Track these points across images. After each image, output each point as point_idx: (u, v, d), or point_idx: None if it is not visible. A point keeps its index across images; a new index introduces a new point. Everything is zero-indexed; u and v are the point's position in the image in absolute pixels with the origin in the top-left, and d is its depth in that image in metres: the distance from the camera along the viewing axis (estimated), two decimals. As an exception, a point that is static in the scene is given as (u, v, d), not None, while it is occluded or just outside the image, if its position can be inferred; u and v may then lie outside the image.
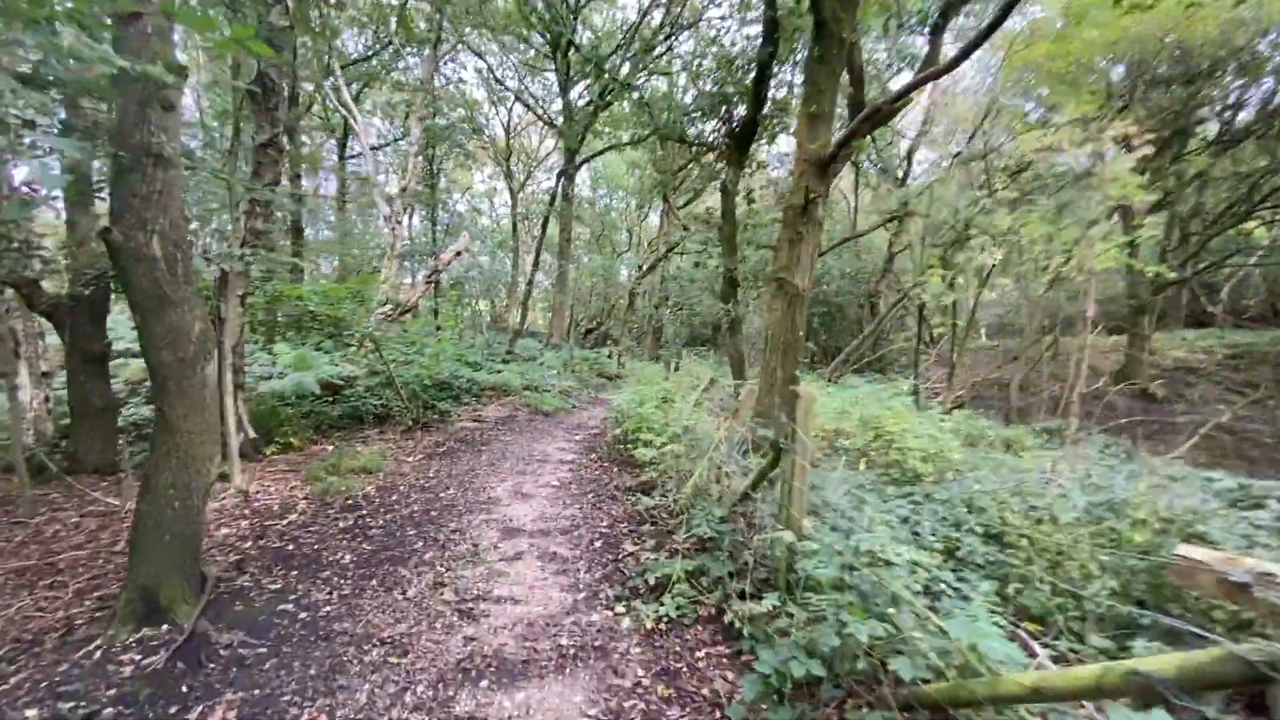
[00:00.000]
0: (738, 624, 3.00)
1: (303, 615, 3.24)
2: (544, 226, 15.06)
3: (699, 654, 2.96)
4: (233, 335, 6.20)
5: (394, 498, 5.51)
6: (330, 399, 8.99)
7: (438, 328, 16.17)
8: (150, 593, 2.84)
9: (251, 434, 6.79)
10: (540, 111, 21.46)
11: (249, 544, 4.29)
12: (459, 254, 13.38)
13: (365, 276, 7.34)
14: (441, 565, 4.02)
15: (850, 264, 22.15)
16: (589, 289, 24.85)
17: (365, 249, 20.05)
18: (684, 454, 5.41)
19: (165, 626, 2.86)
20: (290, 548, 4.23)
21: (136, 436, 7.11)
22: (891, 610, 2.39)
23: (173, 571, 2.90)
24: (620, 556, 4.19)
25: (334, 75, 13.24)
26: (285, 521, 4.75)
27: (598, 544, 4.48)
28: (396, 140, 22.46)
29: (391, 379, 8.19)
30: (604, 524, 4.93)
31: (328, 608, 3.36)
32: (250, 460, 6.62)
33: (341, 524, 4.74)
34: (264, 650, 2.86)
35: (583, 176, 29.37)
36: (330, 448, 7.49)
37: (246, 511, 4.96)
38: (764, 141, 10.35)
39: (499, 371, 11.11)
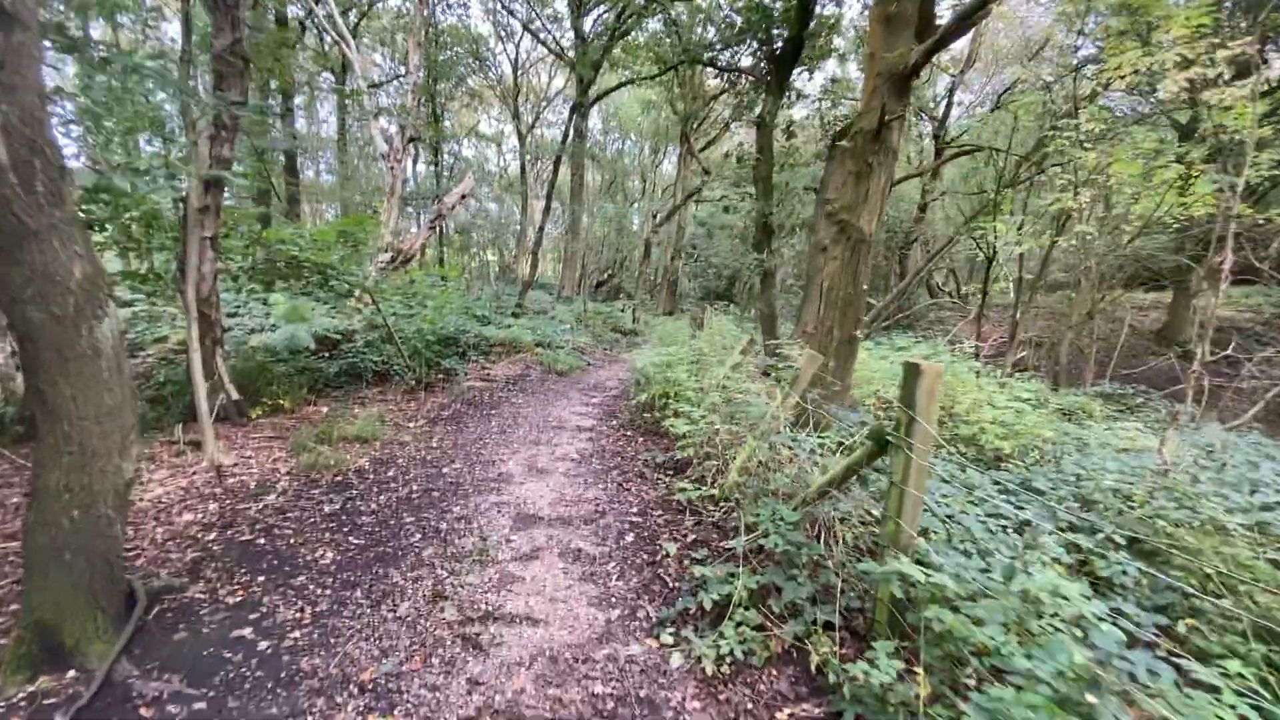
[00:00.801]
0: (831, 675, 2.25)
1: (263, 646, 2.53)
2: (556, 166, 13.91)
3: (779, 716, 2.22)
4: (203, 284, 5.39)
5: (391, 473, 4.79)
6: (327, 355, 8.26)
7: (442, 278, 15.30)
8: (49, 629, 2.12)
9: (234, 394, 6.07)
10: (550, 43, 19.85)
11: (213, 535, 3.59)
12: (464, 197, 12.36)
13: (358, 217, 6.44)
14: (442, 567, 3.30)
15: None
16: (601, 239, 23.70)
17: (369, 195, 18.99)
18: (725, 429, 4.61)
19: (71, 673, 2.15)
20: (262, 541, 3.52)
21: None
22: (1094, 701, 1.61)
23: (79, 599, 2.17)
24: (658, 557, 3.44)
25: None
26: (261, 505, 4.04)
27: (629, 538, 3.74)
28: (397, 77, 20.98)
29: (391, 335, 7.40)
30: (634, 510, 4.19)
31: (296, 633, 2.64)
32: (233, 423, 5.92)
33: (327, 508, 4.03)
34: (203, 706, 2.15)
35: (594, 121, 27.72)
36: (324, 410, 6.78)
37: (218, 490, 4.26)
38: (805, 70, 9.12)
39: (508, 326, 10.30)
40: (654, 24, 14.75)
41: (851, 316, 5.11)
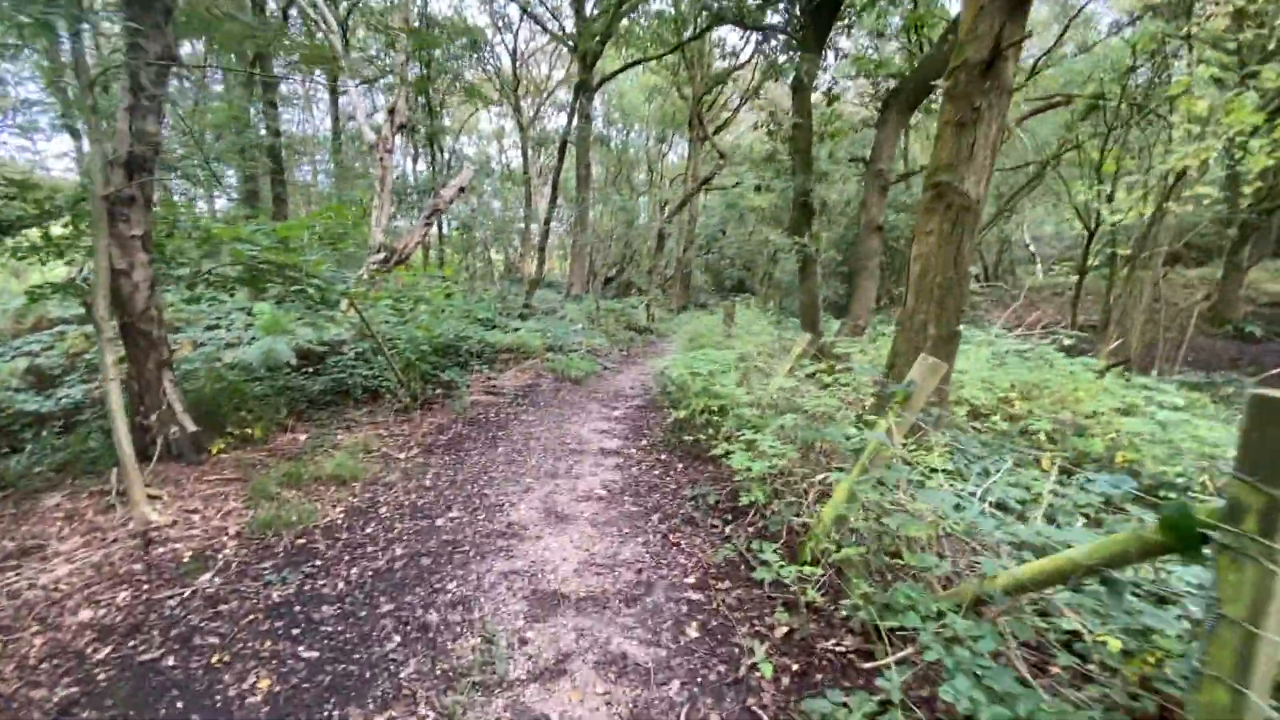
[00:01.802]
0: None
1: None
2: (561, 152, 12.79)
3: None
4: (136, 294, 4.35)
5: (370, 529, 3.73)
6: (310, 370, 7.25)
7: (444, 279, 14.28)
8: None
9: (189, 426, 5.05)
10: (551, 27, 18.72)
11: (108, 650, 2.54)
12: (462, 190, 11.29)
13: (333, 207, 5.38)
14: (427, 700, 2.23)
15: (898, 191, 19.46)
16: (608, 232, 22.57)
17: (368, 193, 17.97)
18: (797, 456, 3.52)
19: None
20: (171, 662, 2.47)
21: (63, 428, 5.46)
22: None
23: None
24: (742, 671, 2.36)
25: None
26: (189, 591, 2.99)
27: (691, 630, 2.66)
28: (389, 73, 19.93)
29: (380, 347, 6.35)
30: (689, 579, 3.10)
31: None
32: (187, 462, 4.90)
33: (277, 594, 2.97)
34: None
35: (597, 111, 26.54)
36: (302, 438, 5.75)
37: (138, 567, 3.22)
38: (847, 25, 7.94)
39: (515, 330, 9.25)
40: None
41: (952, 307, 3.98)
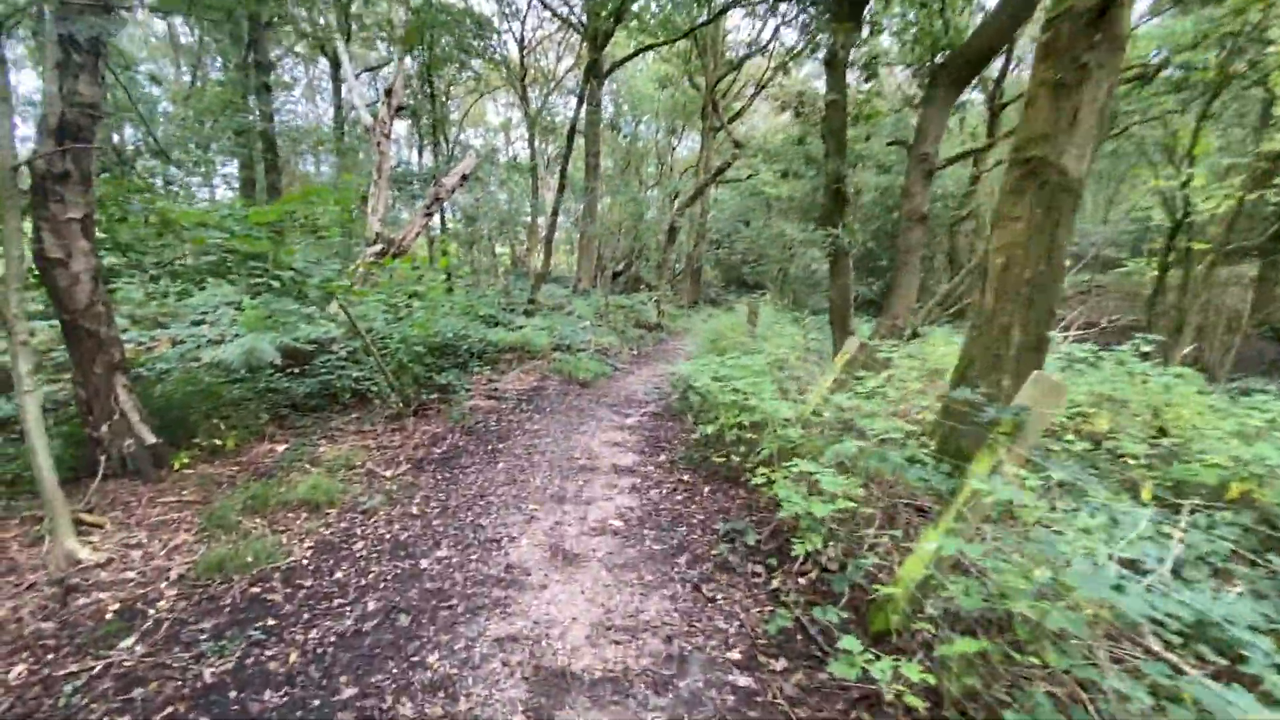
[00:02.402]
0: None
1: None
2: (570, 138, 12.09)
3: None
4: (77, 287, 3.74)
5: (340, 574, 3.10)
6: (296, 371, 6.65)
7: (447, 275, 13.64)
8: None
9: (148, 438, 4.44)
10: (560, 11, 17.98)
11: (-29, 761, 1.92)
12: (465, 178, 10.64)
13: (315, 189, 4.74)
14: None
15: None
16: (616, 224, 21.84)
17: (364, 180, 17.31)
18: (861, 491, 2.86)
19: None
20: (47, 784, 1.84)
21: (20, 435, 4.87)
22: None
23: None
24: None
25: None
26: (100, 666, 2.37)
27: (743, 736, 2.02)
28: (389, 62, 19.25)
29: (369, 348, 5.72)
30: (734, 656, 2.46)
31: None
32: (145, 479, 4.29)
33: (210, 672, 2.34)
34: None
35: (607, 100, 25.75)
36: (280, 449, 5.15)
37: (48, 625, 2.61)
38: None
39: (520, 328, 8.61)
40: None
41: (1043, 308, 3.30)
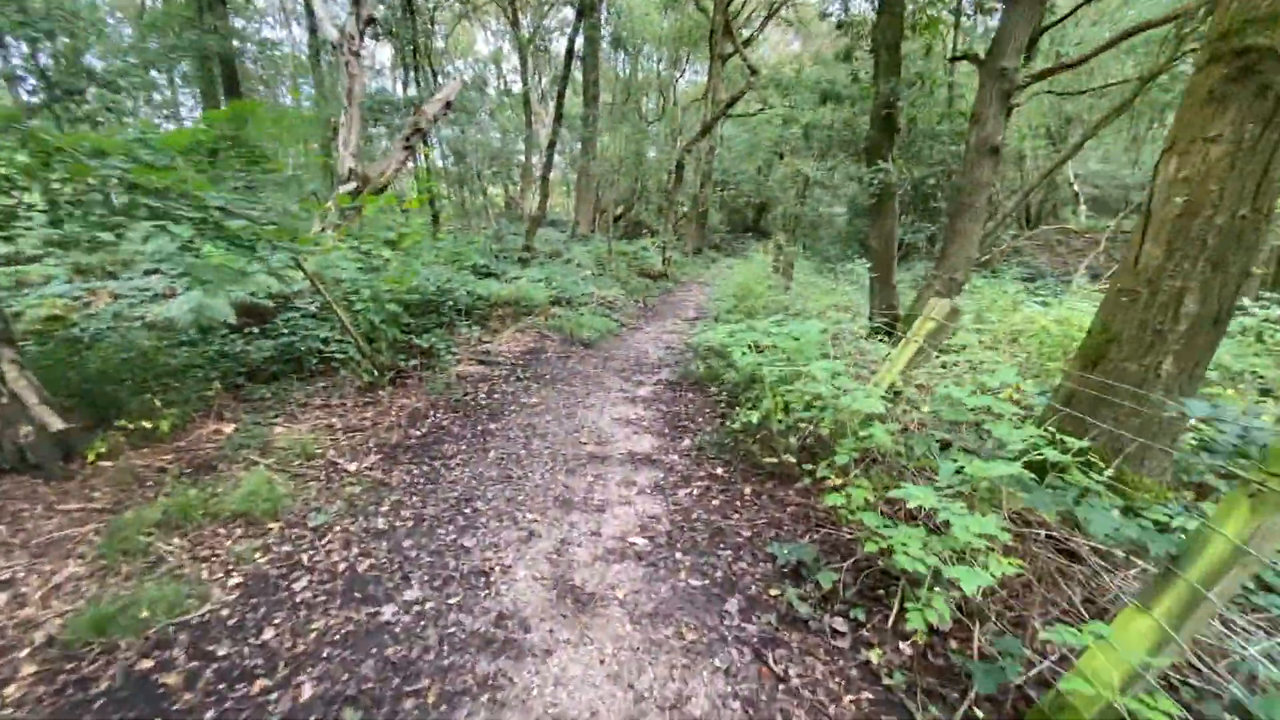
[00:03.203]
0: None
1: None
2: (567, 62, 10.69)
3: None
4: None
5: (268, 635, 2.27)
6: (256, 331, 5.74)
7: (434, 217, 12.46)
8: None
9: (54, 423, 3.57)
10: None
11: None
12: (449, 106, 9.35)
13: (247, 105, 3.65)
14: None
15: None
16: (618, 160, 20.30)
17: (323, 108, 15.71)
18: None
19: None
20: None
21: None
22: None
23: None
24: None
25: None
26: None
27: None
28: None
29: (333, 307, 4.77)
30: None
31: None
32: (48, 477, 3.45)
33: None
34: None
35: (605, 28, 23.60)
36: (228, 430, 4.28)
37: None
38: None
39: (514, 279, 7.61)
40: None
41: (1236, 268, 2.37)
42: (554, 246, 14.31)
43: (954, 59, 6.52)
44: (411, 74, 12.26)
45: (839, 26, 6.31)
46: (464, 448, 4.02)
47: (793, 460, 3.30)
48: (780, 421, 3.37)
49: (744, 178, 25.01)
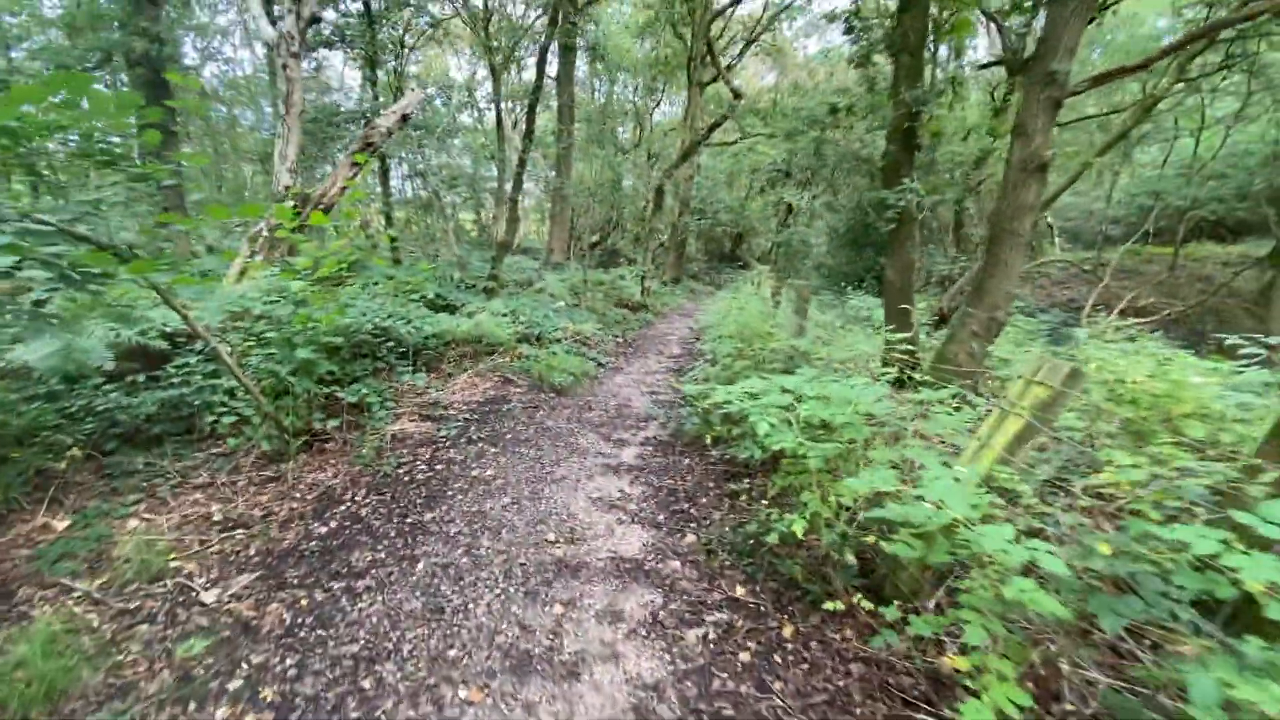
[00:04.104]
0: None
1: None
2: (539, 68, 9.78)
3: None
4: None
5: None
6: (143, 379, 4.53)
7: (392, 242, 11.33)
8: None
9: None
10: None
11: None
12: (405, 119, 8.36)
13: (65, 78, 2.54)
14: None
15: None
16: (594, 186, 19.47)
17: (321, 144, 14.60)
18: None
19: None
20: None
21: None
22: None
23: None
24: None
25: None
26: None
27: None
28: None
29: (221, 358, 3.63)
30: None
31: None
32: None
33: None
34: None
35: (580, 61, 23.08)
36: (62, 526, 3.10)
37: None
38: None
39: (473, 313, 6.52)
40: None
41: None
42: (526, 275, 13.28)
43: (985, 66, 5.83)
44: (371, 87, 11.31)
45: (848, 31, 5.55)
46: (383, 555, 2.89)
47: (857, 598, 2.26)
48: (834, 531, 2.35)
49: (722, 207, 24.49)
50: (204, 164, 11.79)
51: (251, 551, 2.91)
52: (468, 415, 4.91)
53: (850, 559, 2.37)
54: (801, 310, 4.53)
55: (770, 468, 3.38)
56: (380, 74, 13.87)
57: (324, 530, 3.11)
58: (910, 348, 5.12)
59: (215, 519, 3.24)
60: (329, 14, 10.53)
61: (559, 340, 7.62)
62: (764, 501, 3.08)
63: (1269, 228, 16.03)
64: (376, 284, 7.35)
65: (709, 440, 4.19)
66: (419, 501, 3.44)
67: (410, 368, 5.32)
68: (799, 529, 2.28)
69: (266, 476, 3.74)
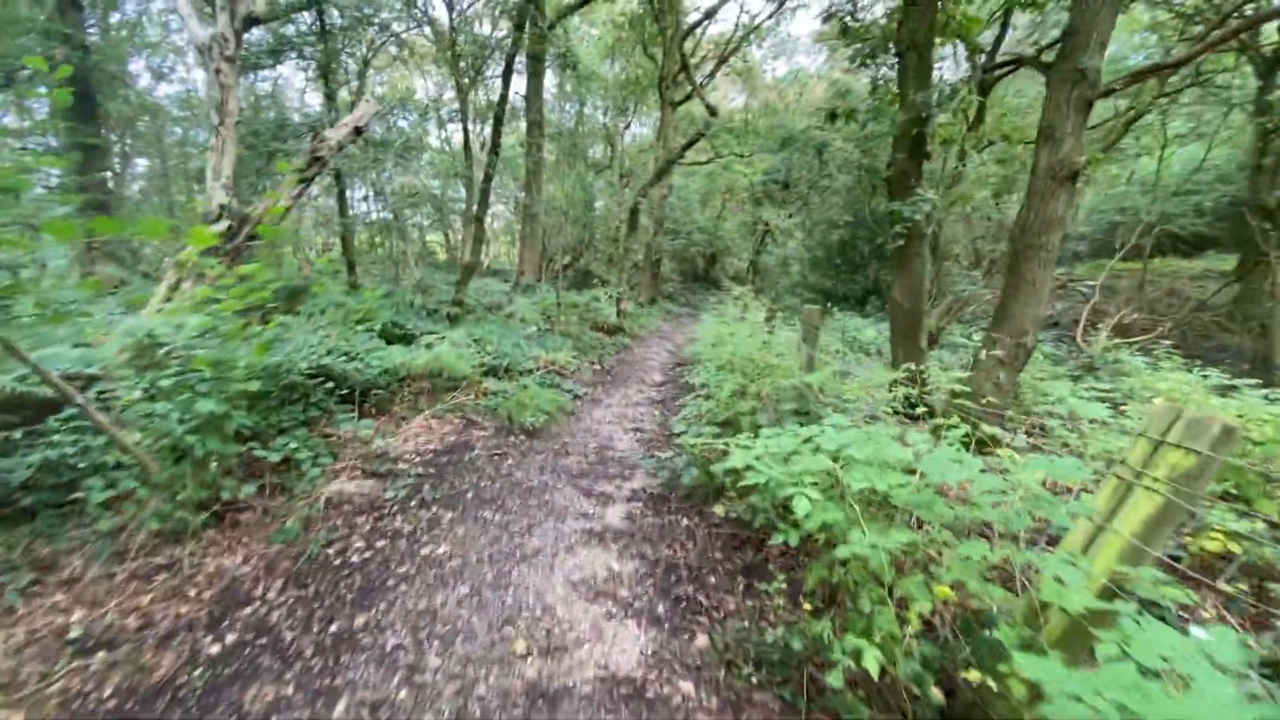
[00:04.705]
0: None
1: None
2: (506, 77, 9.18)
3: None
4: None
5: None
6: (20, 435, 3.67)
7: (350, 266, 10.50)
8: None
9: None
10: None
11: None
12: (359, 132, 7.64)
13: None
14: None
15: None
16: (566, 204, 18.90)
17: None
18: None
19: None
20: None
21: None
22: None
23: None
24: None
25: None
26: None
27: None
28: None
29: (94, 418, 2.85)
30: None
31: None
32: None
33: None
34: None
35: (549, 85, 22.63)
36: None
37: None
38: None
39: (431, 344, 5.77)
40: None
41: None
42: (494, 299, 12.54)
43: (996, 67, 5.39)
44: (329, 103, 10.57)
45: (843, 33, 5.07)
46: (290, 690, 2.12)
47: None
48: (913, 659, 1.69)
49: (695, 227, 24.18)
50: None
51: (107, 690, 2.12)
52: (421, 469, 4.14)
53: (936, 696, 1.71)
54: (811, 338, 3.92)
55: (802, 547, 2.71)
56: (344, 93, 13.13)
57: (216, 649, 2.33)
58: (920, 374, 4.55)
59: (72, 634, 2.43)
60: (288, 29, 9.80)
61: (530, 371, 6.90)
62: (801, 602, 2.41)
63: (1228, 242, 16.29)
64: (323, 312, 6.56)
65: (709, 494, 3.52)
66: (350, 597, 2.68)
67: (354, 413, 4.54)
68: (873, 665, 1.61)
69: (157, 565, 2.93)
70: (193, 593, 2.70)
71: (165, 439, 3.11)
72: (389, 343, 6.24)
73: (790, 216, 16.03)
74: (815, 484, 2.09)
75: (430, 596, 2.70)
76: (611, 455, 4.83)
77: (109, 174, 9.22)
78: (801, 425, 2.61)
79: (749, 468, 2.22)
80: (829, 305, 14.34)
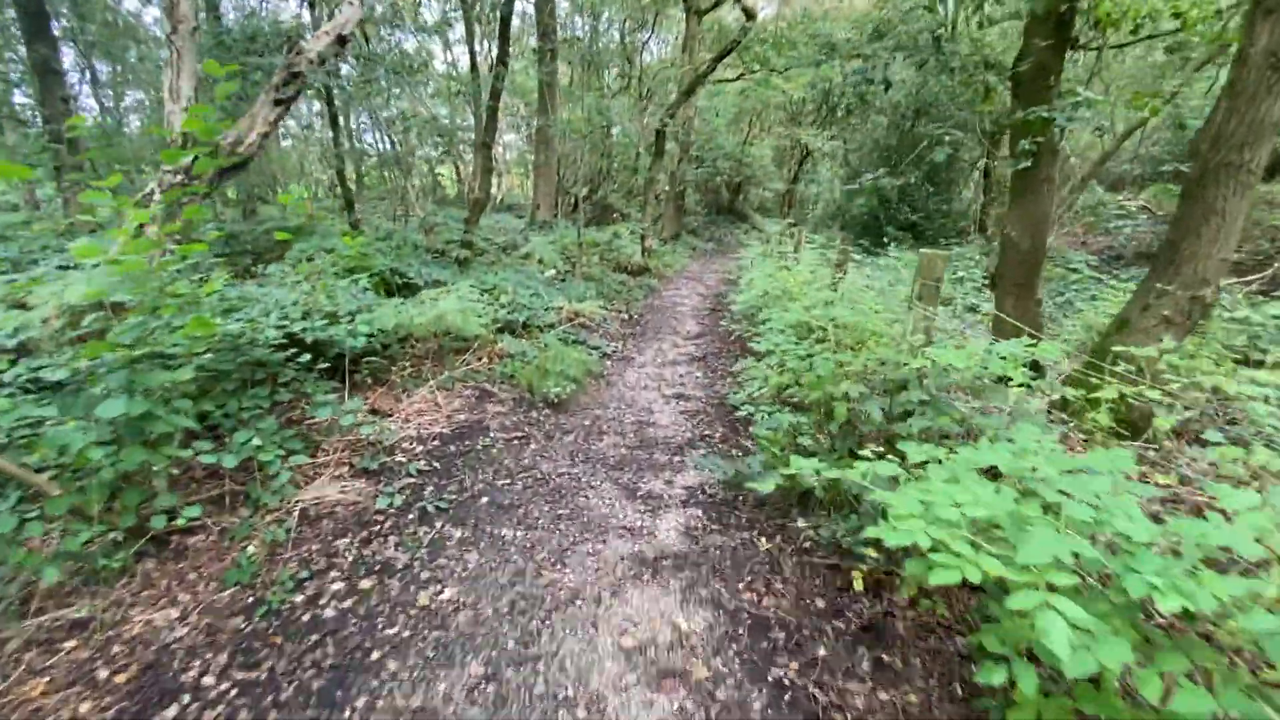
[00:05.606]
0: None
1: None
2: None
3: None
4: None
5: None
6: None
7: (348, 204, 9.45)
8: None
9: None
10: None
11: None
12: (343, 42, 6.42)
13: None
14: None
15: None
16: (585, 129, 17.25)
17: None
18: None
19: None
20: None
21: None
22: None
23: None
24: None
25: None
26: None
27: None
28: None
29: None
30: None
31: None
32: None
33: None
34: None
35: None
36: None
37: None
38: None
39: (437, 297, 4.84)
40: None
41: None
42: (509, 238, 11.47)
43: None
44: (310, 10, 9.20)
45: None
46: None
47: None
48: None
49: (721, 154, 22.30)
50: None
51: None
52: (423, 462, 3.32)
53: None
54: (930, 294, 2.92)
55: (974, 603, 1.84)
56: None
57: (113, 789, 1.58)
58: (1033, 333, 3.53)
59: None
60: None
61: (552, 326, 5.99)
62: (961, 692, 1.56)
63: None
64: (311, 259, 5.65)
65: (792, 500, 2.66)
66: (316, 686, 1.90)
67: (341, 390, 3.69)
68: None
69: (71, 621, 2.18)
70: (104, 674, 1.94)
71: (64, 454, 2.28)
72: (389, 294, 5.34)
73: (832, 139, 14.43)
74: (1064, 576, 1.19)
75: (429, 680, 1.91)
76: (653, 435, 3.97)
77: (64, 100, 8.12)
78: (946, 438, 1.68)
79: (935, 549, 1.31)
80: (871, 239, 13.04)
